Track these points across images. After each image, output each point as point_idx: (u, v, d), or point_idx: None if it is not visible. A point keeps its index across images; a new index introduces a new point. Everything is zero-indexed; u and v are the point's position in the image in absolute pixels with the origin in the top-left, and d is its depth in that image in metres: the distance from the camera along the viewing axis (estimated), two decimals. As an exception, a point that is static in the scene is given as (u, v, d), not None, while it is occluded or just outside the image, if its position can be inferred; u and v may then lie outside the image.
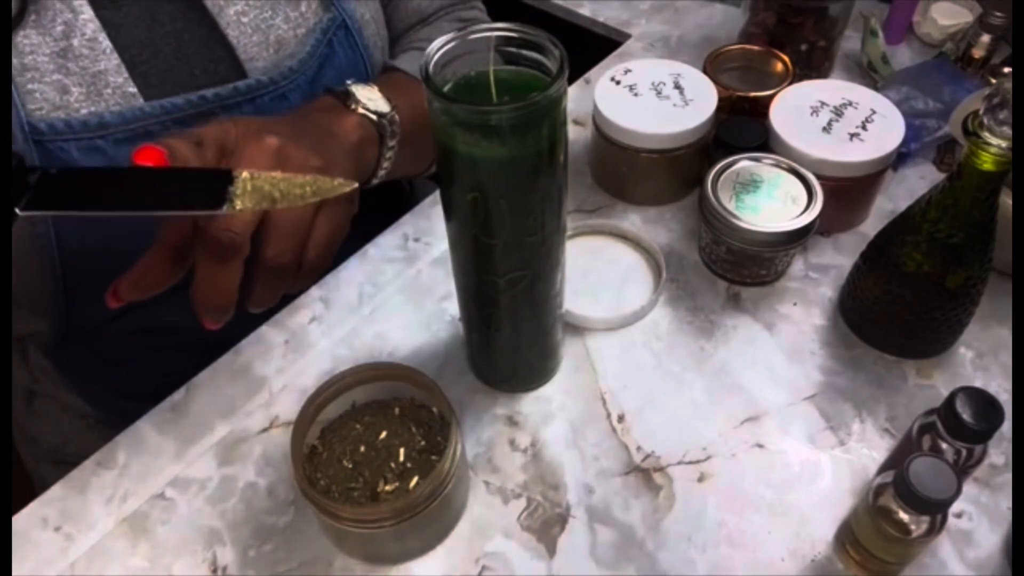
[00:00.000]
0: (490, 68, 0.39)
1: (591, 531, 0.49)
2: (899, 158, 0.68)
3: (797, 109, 0.62)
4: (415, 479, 0.46)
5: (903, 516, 0.41)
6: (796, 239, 0.56)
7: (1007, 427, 0.49)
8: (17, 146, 0.46)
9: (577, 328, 0.59)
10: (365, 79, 0.59)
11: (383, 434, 0.48)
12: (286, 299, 0.57)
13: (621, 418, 0.54)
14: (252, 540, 0.49)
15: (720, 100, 0.64)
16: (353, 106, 0.51)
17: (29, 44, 0.46)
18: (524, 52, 0.39)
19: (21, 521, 0.50)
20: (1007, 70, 0.72)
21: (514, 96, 0.36)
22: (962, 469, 0.44)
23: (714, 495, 0.50)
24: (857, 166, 0.59)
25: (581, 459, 0.52)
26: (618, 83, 0.66)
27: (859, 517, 0.44)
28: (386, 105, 0.53)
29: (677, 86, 0.65)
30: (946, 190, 0.48)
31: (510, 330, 0.50)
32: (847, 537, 0.46)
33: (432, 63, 0.37)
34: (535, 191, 0.41)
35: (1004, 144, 0.43)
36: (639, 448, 0.52)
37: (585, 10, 0.91)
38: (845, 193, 0.61)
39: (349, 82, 0.53)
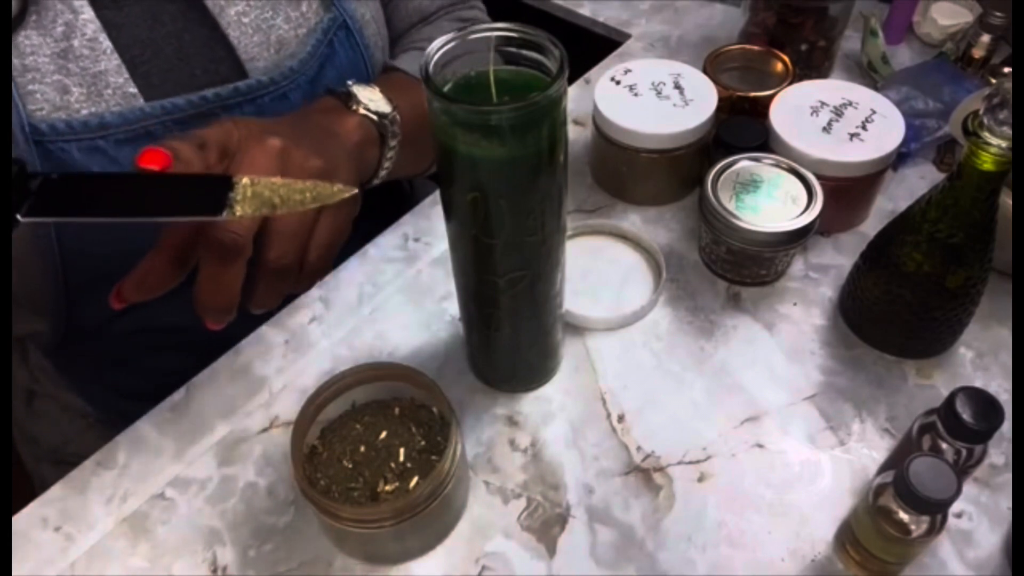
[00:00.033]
0: (490, 68, 0.39)
1: (591, 531, 0.49)
2: (899, 158, 0.68)
3: (797, 109, 0.62)
4: (415, 479, 0.46)
5: (903, 516, 0.41)
6: (796, 239, 0.56)
7: (1007, 427, 0.49)
8: (18, 147, 0.46)
9: (577, 328, 0.59)
10: (366, 79, 0.60)
11: (383, 434, 0.48)
12: (286, 299, 0.57)
13: (621, 418, 0.54)
14: (252, 540, 0.49)
15: (720, 100, 0.64)
16: (354, 107, 0.51)
17: (30, 45, 0.46)
18: (524, 52, 0.39)
19: (21, 521, 0.50)
20: (1007, 70, 0.72)
21: (514, 96, 0.36)
22: (962, 469, 0.44)
23: (714, 495, 0.50)
24: (857, 166, 0.59)
25: (581, 459, 0.52)
26: (618, 83, 0.66)
27: (859, 517, 0.44)
28: (387, 106, 0.53)
29: (677, 86, 0.65)
30: (946, 190, 0.48)
31: (510, 330, 0.50)
32: (847, 537, 0.46)
33: (432, 63, 0.37)
34: (535, 191, 0.41)
35: (1004, 144, 0.43)
36: (639, 448, 0.52)
37: (585, 10, 0.91)
38: (845, 193, 0.61)
39: (350, 83, 0.53)
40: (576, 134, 0.74)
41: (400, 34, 0.69)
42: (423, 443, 0.47)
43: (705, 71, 0.67)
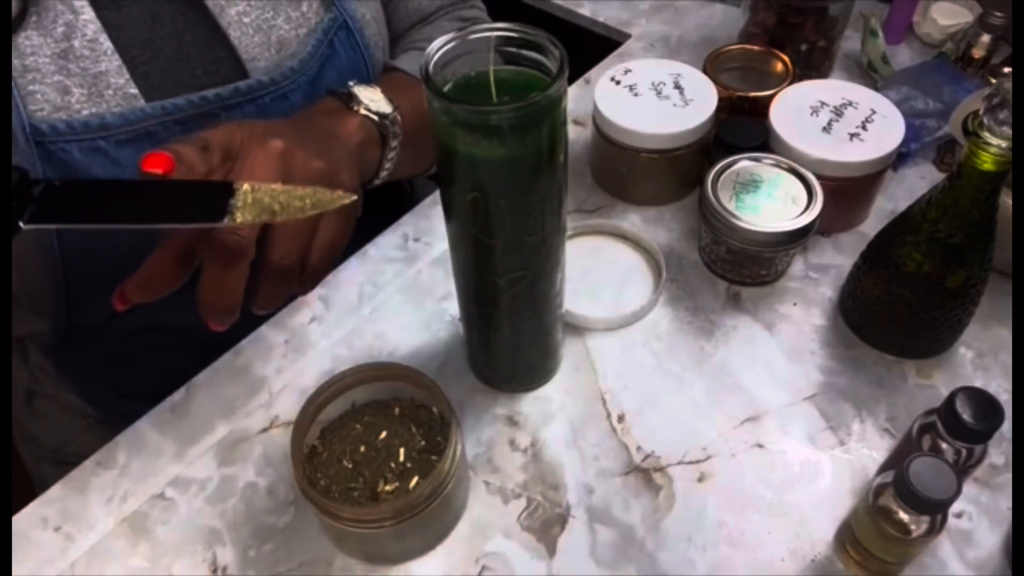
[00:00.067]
0: (490, 68, 0.39)
1: (591, 531, 0.49)
2: (899, 158, 0.68)
3: (797, 109, 0.62)
4: (415, 479, 0.46)
5: (903, 516, 0.41)
6: (796, 239, 0.56)
7: (1007, 427, 0.49)
8: (18, 147, 0.46)
9: (577, 328, 0.59)
10: (366, 79, 0.60)
11: (383, 434, 0.48)
12: (287, 299, 0.57)
13: (621, 418, 0.54)
14: (252, 540, 0.49)
15: (720, 100, 0.64)
16: (355, 107, 0.51)
17: (30, 45, 0.46)
18: (524, 52, 0.39)
19: (21, 521, 0.50)
20: (1007, 70, 0.73)
21: (514, 96, 0.36)
22: (962, 469, 0.44)
23: (714, 495, 0.50)
24: (857, 166, 0.59)
25: (581, 459, 0.52)
26: (618, 83, 0.66)
27: (859, 517, 0.44)
28: (388, 106, 0.53)
29: (677, 86, 0.65)
30: (946, 190, 0.48)
31: (510, 330, 0.50)
32: (847, 537, 0.46)
33: (432, 63, 0.37)
34: (535, 191, 0.41)
35: (1004, 144, 0.43)
36: (639, 448, 0.52)
37: (585, 10, 0.91)
38: (845, 193, 0.61)
39: (351, 83, 0.53)
40: (576, 134, 0.74)
41: (400, 34, 0.69)
42: (423, 443, 0.47)
43: (705, 71, 0.67)
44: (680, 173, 0.66)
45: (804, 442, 0.52)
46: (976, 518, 0.48)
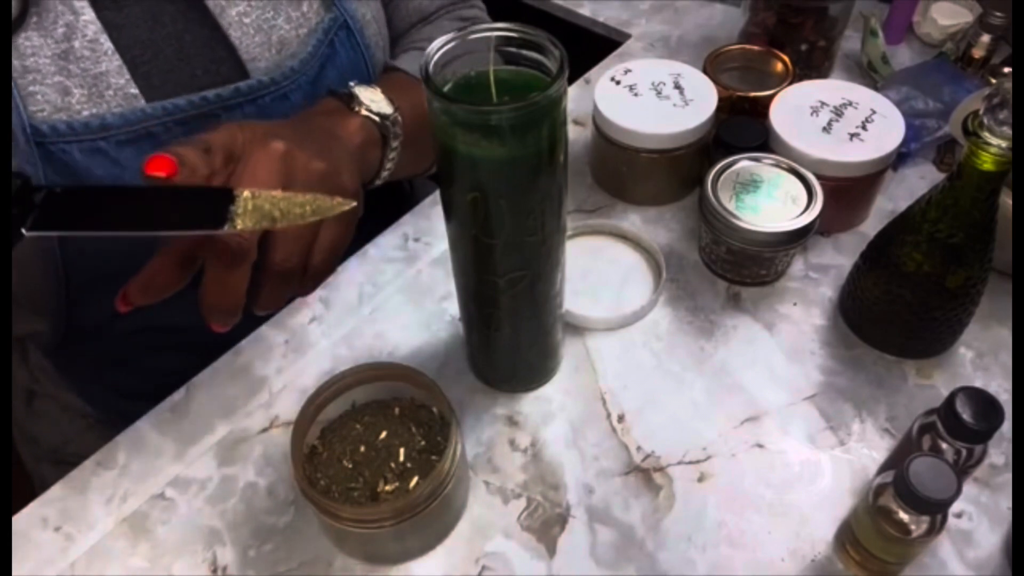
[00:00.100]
0: (490, 68, 0.39)
1: (591, 531, 0.49)
2: (899, 158, 0.68)
3: (797, 109, 0.62)
4: (415, 479, 0.46)
5: (903, 516, 0.41)
6: (796, 239, 0.56)
7: (1007, 427, 0.49)
8: (19, 148, 0.46)
9: (577, 328, 0.59)
10: (367, 79, 0.60)
11: (383, 434, 0.48)
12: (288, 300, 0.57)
13: (621, 418, 0.54)
14: (252, 540, 0.49)
15: (720, 100, 0.64)
16: (356, 108, 0.51)
17: (30, 46, 0.46)
18: (524, 52, 0.39)
19: (21, 521, 0.50)
20: (1007, 70, 0.73)
21: (514, 96, 0.36)
22: (962, 469, 0.44)
23: (714, 495, 0.50)
24: (857, 166, 0.59)
25: (581, 459, 0.52)
26: (618, 83, 0.66)
27: (859, 517, 0.44)
28: (389, 107, 0.53)
29: (677, 86, 0.65)
30: (946, 190, 0.48)
31: (510, 330, 0.50)
32: (847, 537, 0.46)
33: (432, 63, 0.37)
34: (535, 191, 0.41)
35: (1004, 144, 0.43)
36: (639, 448, 0.52)
37: (585, 10, 0.91)
38: (845, 193, 0.61)
39: (352, 84, 0.53)
40: (576, 134, 0.74)
41: (400, 34, 0.69)
42: (423, 443, 0.47)
43: (705, 71, 0.67)
44: (680, 173, 0.66)
45: (804, 442, 0.52)
46: (976, 518, 0.48)
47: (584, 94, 0.77)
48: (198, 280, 0.41)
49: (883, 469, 0.49)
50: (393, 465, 0.47)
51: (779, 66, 0.69)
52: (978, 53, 0.74)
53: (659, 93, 0.65)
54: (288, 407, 0.55)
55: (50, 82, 0.47)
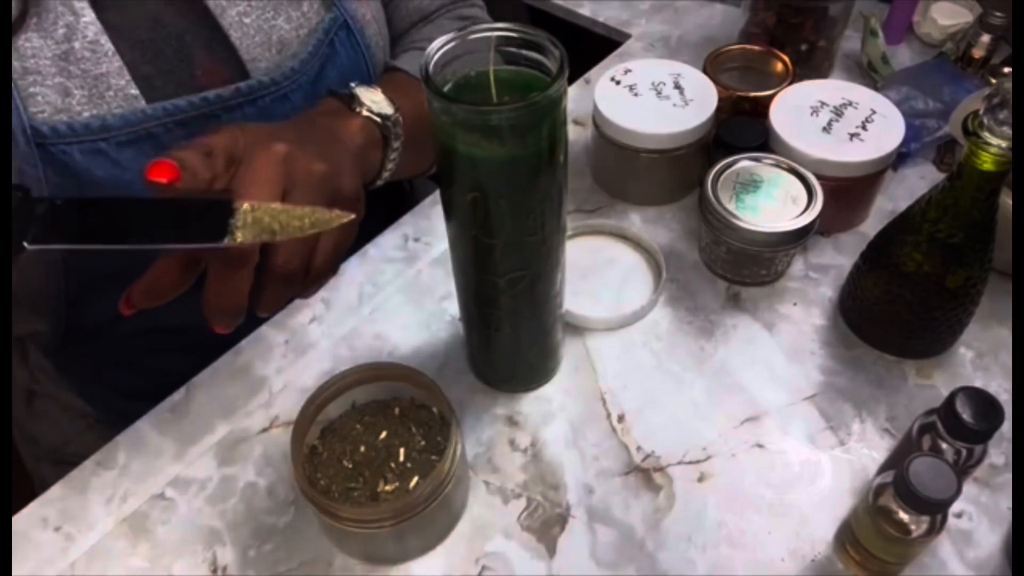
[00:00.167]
0: (490, 68, 0.39)
1: (591, 531, 0.49)
2: (899, 158, 0.68)
3: (797, 109, 0.62)
4: (415, 479, 0.46)
5: (903, 516, 0.41)
6: (796, 239, 0.56)
7: (1007, 427, 0.49)
8: (19, 149, 0.46)
9: (577, 328, 0.59)
10: (367, 79, 0.60)
11: (383, 434, 0.48)
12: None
13: (621, 418, 0.54)
14: (252, 540, 0.49)
15: (720, 100, 0.64)
16: (357, 109, 0.51)
17: (31, 47, 0.46)
18: (524, 52, 0.39)
19: (21, 521, 0.50)
20: (1007, 70, 0.73)
21: (514, 96, 0.36)
22: (962, 469, 0.44)
23: (714, 495, 0.50)
24: (857, 166, 0.59)
25: (581, 459, 0.52)
26: (618, 83, 0.66)
27: (859, 517, 0.44)
28: (390, 107, 0.53)
29: (677, 86, 0.65)
30: (946, 190, 0.48)
31: (510, 330, 0.50)
32: (847, 537, 0.46)
33: (432, 63, 0.38)
34: (535, 191, 0.41)
35: (1004, 144, 0.43)
36: (639, 448, 0.52)
37: (585, 10, 0.91)
38: (845, 193, 0.61)
39: (353, 84, 0.53)
40: (576, 134, 0.74)
41: (401, 33, 0.69)
42: (423, 443, 0.47)
43: (705, 71, 0.67)
44: (680, 173, 0.66)
45: (804, 442, 0.52)
46: (976, 518, 0.48)
47: (584, 94, 0.77)
48: (199, 282, 0.41)
49: (883, 469, 0.49)
50: (393, 465, 0.47)
51: (779, 66, 0.69)
52: (978, 53, 0.74)
53: (659, 93, 0.65)
54: (288, 407, 0.55)
55: (50, 83, 0.47)
